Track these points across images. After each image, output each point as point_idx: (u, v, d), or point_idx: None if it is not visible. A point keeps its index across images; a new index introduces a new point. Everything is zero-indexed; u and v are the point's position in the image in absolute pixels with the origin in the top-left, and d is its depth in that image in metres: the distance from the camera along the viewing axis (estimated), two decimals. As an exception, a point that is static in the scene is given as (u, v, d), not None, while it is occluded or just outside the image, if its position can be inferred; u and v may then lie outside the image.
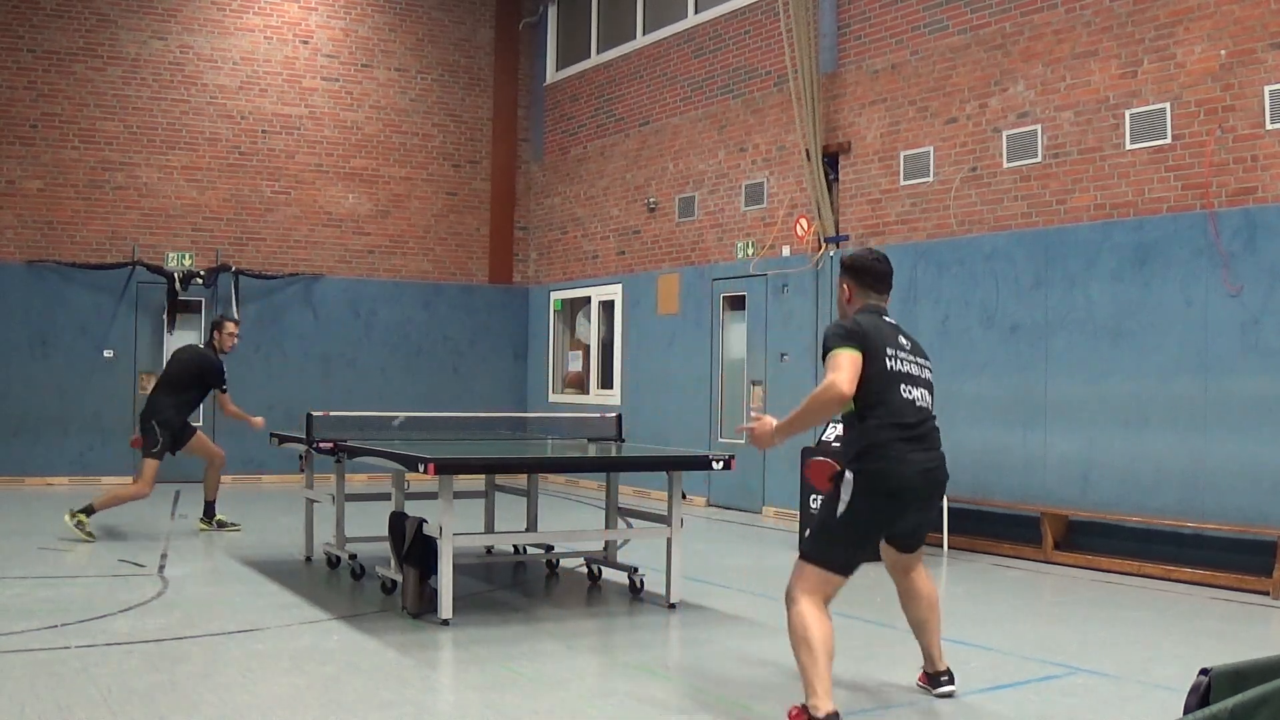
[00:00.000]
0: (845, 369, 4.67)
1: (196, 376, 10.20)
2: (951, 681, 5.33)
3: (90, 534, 9.60)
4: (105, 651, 5.81)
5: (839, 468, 4.91)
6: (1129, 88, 9.35)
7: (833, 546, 4.83)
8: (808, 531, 4.72)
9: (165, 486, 13.73)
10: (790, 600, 4.76)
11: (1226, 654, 5.00)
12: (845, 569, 4.87)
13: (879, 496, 4.78)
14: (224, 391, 10.34)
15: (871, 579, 8.69)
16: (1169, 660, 6.17)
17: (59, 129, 14.63)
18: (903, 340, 4.97)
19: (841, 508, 4.78)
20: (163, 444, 9.94)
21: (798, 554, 4.93)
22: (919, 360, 5.00)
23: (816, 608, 4.75)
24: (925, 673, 5.43)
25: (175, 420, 10.06)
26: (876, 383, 4.77)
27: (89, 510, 9.69)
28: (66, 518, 9.64)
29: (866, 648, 6.53)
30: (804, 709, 4.63)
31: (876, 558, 5.23)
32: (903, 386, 4.84)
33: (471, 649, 6.09)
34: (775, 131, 12.79)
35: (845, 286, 5.13)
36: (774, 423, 4.84)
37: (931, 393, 5.00)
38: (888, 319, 5.02)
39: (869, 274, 5.10)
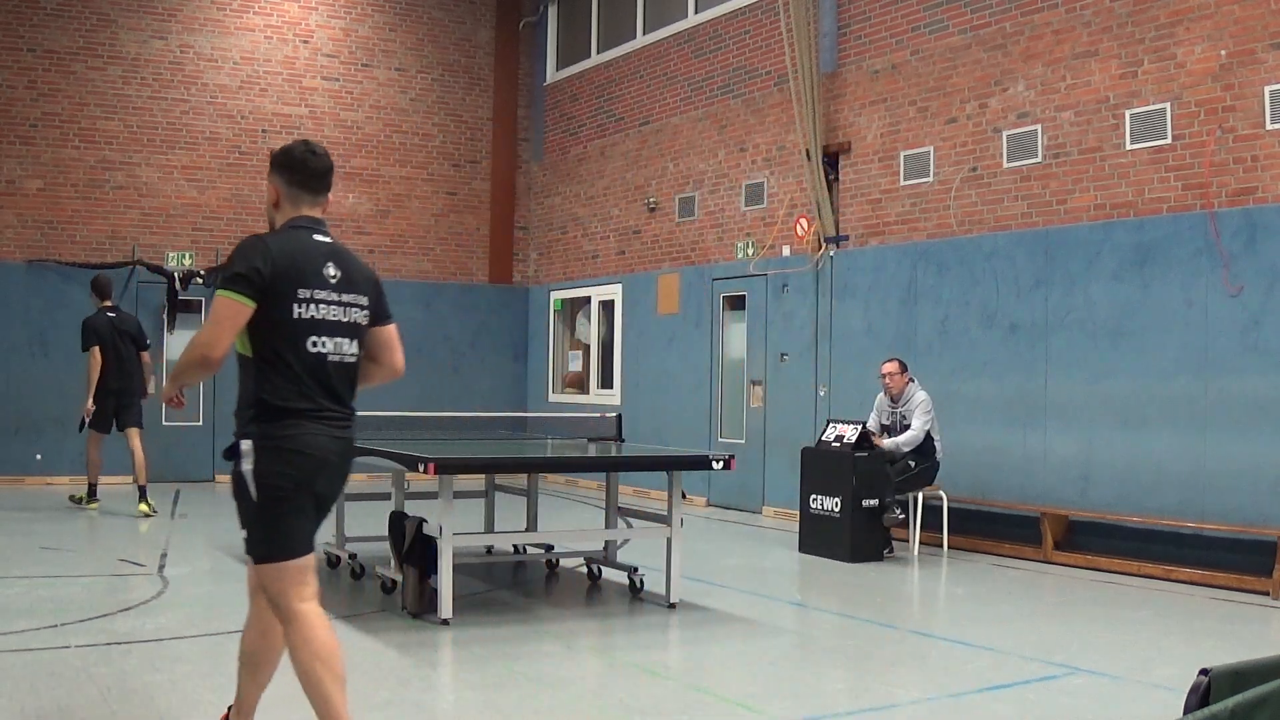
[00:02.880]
0: (225, 330, 3.78)
1: None
2: None
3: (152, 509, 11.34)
4: (105, 651, 5.81)
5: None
6: (1129, 88, 9.35)
7: (266, 532, 3.90)
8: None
9: (165, 486, 13.75)
10: (285, 619, 3.94)
11: (1226, 654, 5.01)
12: (294, 551, 3.91)
13: (291, 467, 3.86)
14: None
15: (871, 579, 8.72)
16: (1169, 660, 6.18)
17: (59, 129, 14.62)
18: (331, 270, 3.98)
19: (250, 486, 3.87)
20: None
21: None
22: (347, 296, 4.01)
23: (316, 619, 3.97)
24: None
25: None
26: (279, 335, 3.87)
27: (143, 493, 11.36)
28: (143, 508, 11.27)
29: (867, 648, 6.53)
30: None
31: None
32: (313, 339, 3.91)
33: (471, 649, 6.09)
34: (775, 131, 12.79)
35: (273, 188, 4.10)
36: (170, 389, 4.16)
37: (357, 336, 4.05)
38: (320, 237, 4.03)
39: (301, 169, 4.06)
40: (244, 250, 3.88)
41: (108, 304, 11.65)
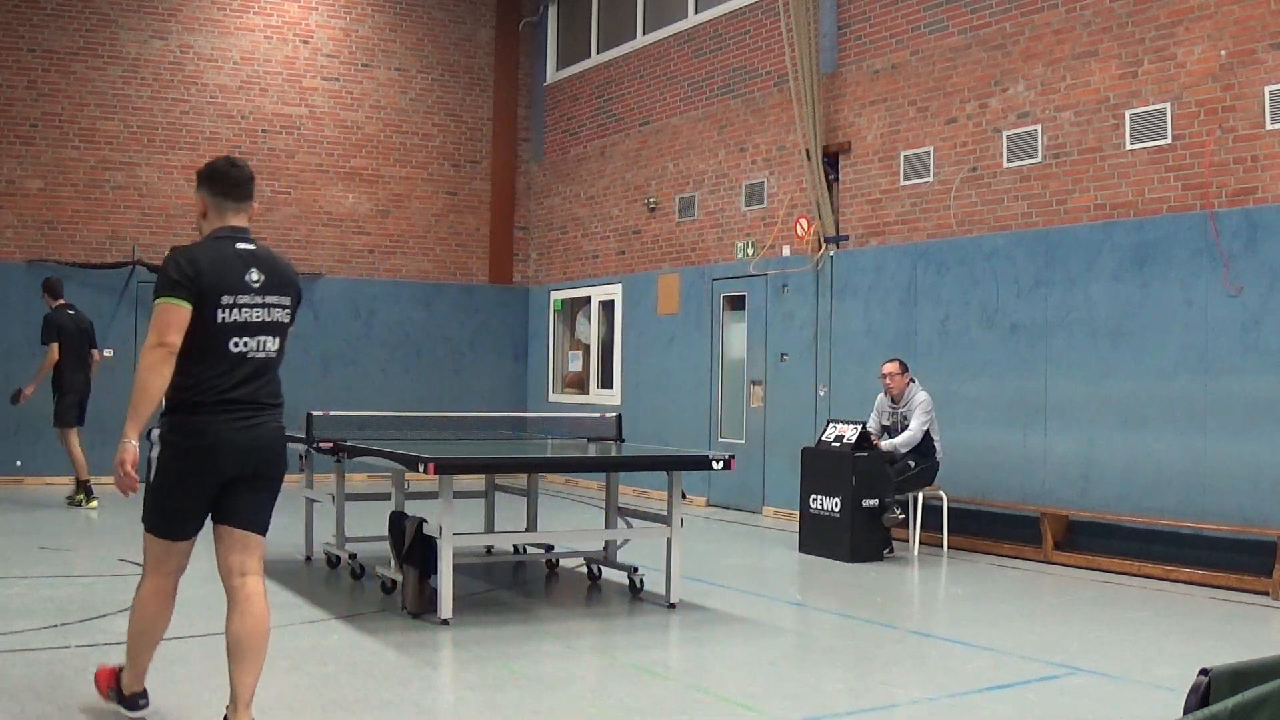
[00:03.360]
0: (170, 327, 4.13)
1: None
2: None
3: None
4: (105, 651, 5.80)
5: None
6: (1129, 88, 9.35)
7: (154, 511, 4.37)
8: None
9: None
10: (142, 575, 4.47)
11: (1226, 654, 5.01)
12: (171, 534, 4.37)
13: (192, 456, 4.26)
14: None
15: (871, 579, 8.72)
16: (1169, 660, 6.18)
17: (59, 129, 14.62)
18: (254, 276, 4.31)
19: (153, 469, 4.32)
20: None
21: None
22: (270, 298, 4.36)
23: (160, 590, 4.44)
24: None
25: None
26: (204, 337, 4.21)
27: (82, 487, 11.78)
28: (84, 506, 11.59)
29: (867, 648, 6.54)
30: (116, 672, 4.67)
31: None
32: (234, 340, 4.27)
33: (471, 649, 6.09)
34: (775, 131, 12.79)
35: (200, 200, 4.42)
36: (129, 452, 4.12)
37: (279, 334, 4.43)
38: (243, 244, 4.36)
39: (224, 180, 4.39)
40: (174, 260, 4.23)
41: (62, 302, 12.12)
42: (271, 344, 4.42)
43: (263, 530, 4.55)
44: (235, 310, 4.27)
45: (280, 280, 4.42)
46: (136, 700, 4.65)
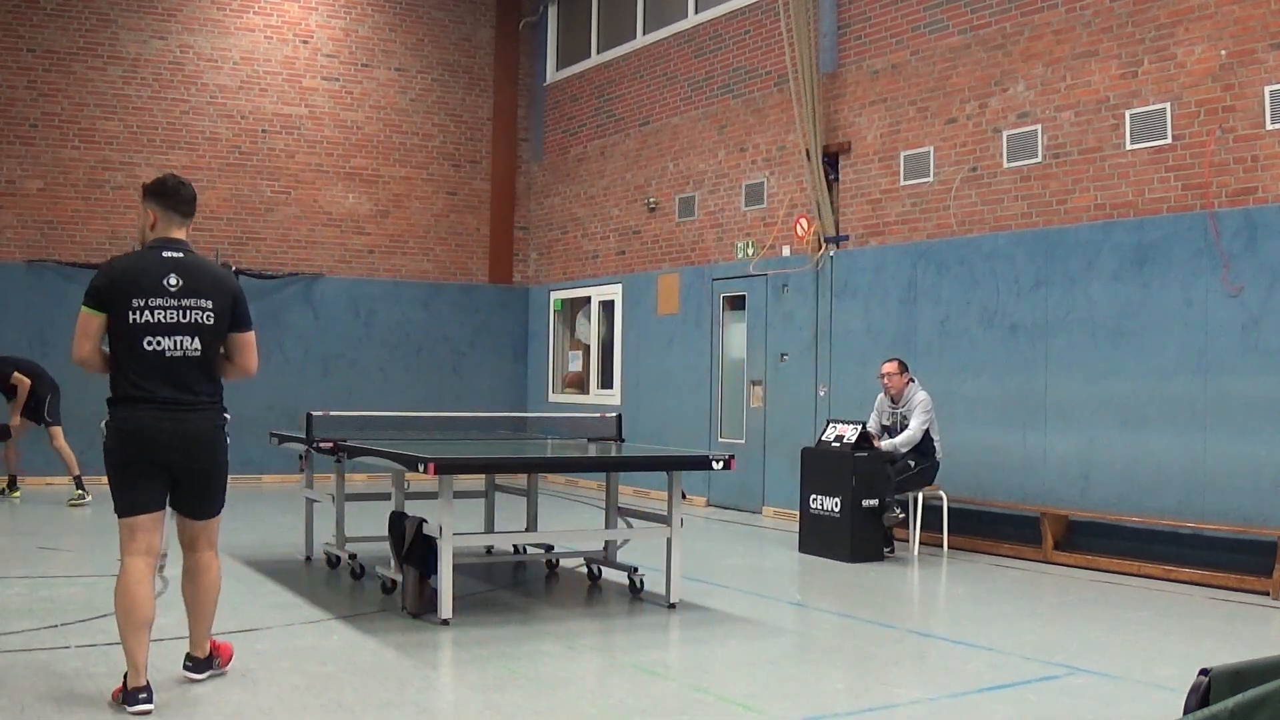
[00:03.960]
0: (81, 335, 4.83)
1: None
2: (194, 669, 5.26)
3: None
4: (105, 651, 5.81)
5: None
6: (1129, 88, 9.35)
7: (112, 492, 4.94)
8: None
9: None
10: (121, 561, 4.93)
11: (1226, 654, 5.01)
12: (125, 511, 4.89)
13: (126, 442, 4.85)
14: None
15: (871, 579, 8.72)
16: (1169, 660, 6.18)
17: (59, 129, 14.62)
18: (171, 280, 4.84)
19: (105, 454, 4.94)
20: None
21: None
22: (189, 302, 4.85)
23: (130, 570, 4.84)
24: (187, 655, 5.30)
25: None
26: (122, 337, 4.81)
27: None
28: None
29: (867, 648, 6.54)
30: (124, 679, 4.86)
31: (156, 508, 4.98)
32: (148, 338, 4.79)
33: (471, 649, 6.09)
34: (775, 131, 12.79)
35: (150, 213, 4.99)
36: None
37: (199, 334, 4.86)
38: (170, 253, 4.89)
39: (174, 197, 4.97)
40: (96, 271, 4.94)
41: None
42: (190, 343, 4.86)
43: (204, 516, 5.11)
44: (147, 312, 4.80)
45: (201, 284, 4.89)
46: (136, 695, 4.75)
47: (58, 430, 12.33)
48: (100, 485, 12.39)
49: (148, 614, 4.84)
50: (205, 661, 5.29)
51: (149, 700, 4.75)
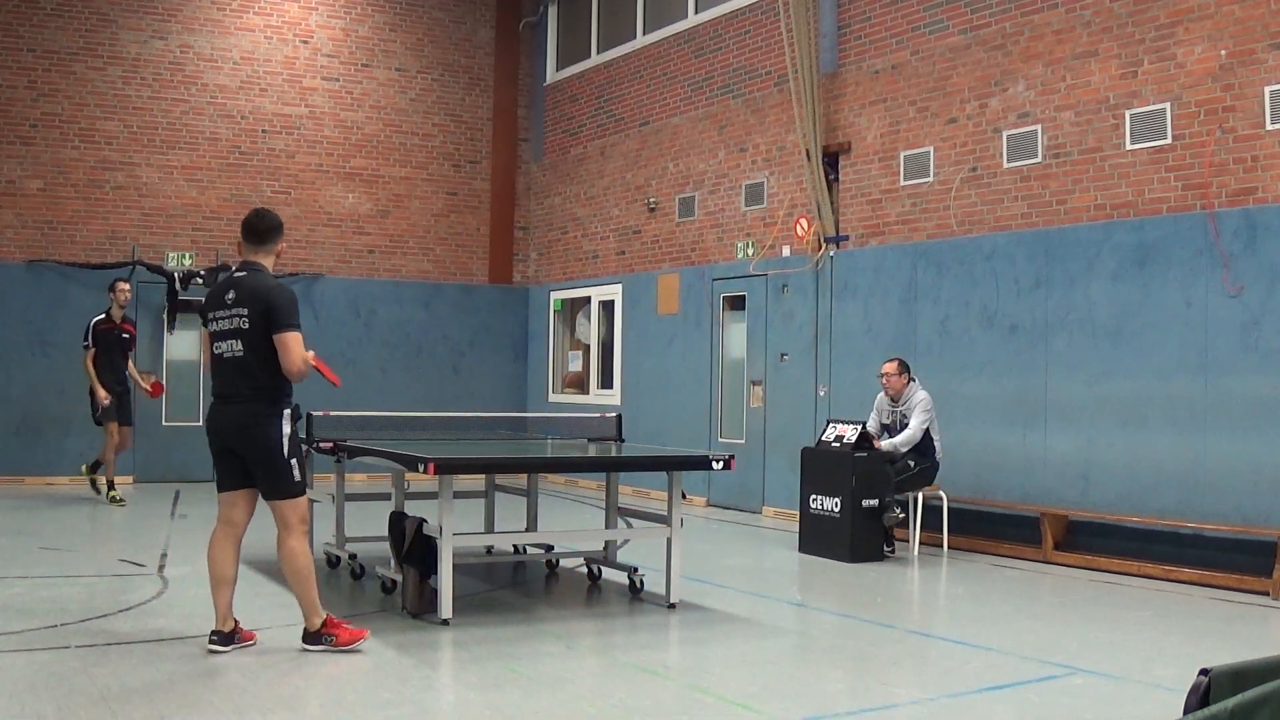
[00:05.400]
0: (201, 351, 5.92)
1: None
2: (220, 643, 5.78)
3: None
4: (105, 651, 5.81)
5: None
6: (1129, 88, 9.35)
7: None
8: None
9: (165, 487, 13.75)
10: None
11: (1226, 654, 5.01)
12: (218, 487, 5.94)
13: (206, 431, 5.90)
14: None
15: (871, 579, 8.72)
16: (1169, 660, 6.18)
17: (59, 129, 14.62)
18: (230, 295, 5.73)
19: None
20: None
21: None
22: (234, 311, 5.69)
23: (212, 536, 5.88)
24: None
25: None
26: (211, 344, 5.85)
27: (96, 467, 12.35)
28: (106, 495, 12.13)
29: (867, 648, 6.54)
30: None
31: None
32: (216, 344, 5.77)
33: (471, 649, 6.09)
34: (775, 131, 12.79)
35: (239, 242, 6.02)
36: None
37: (240, 338, 5.68)
38: (239, 273, 5.84)
39: (245, 227, 5.96)
40: None
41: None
42: (235, 345, 5.71)
43: (269, 496, 5.78)
44: (215, 322, 5.79)
45: (243, 295, 5.71)
46: (211, 636, 5.72)
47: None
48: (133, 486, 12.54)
49: (219, 572, 5.74)
50: (314, 635, 5.84)
51: (218, 642, 5.70)
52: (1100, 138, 9.54)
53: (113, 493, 12.16)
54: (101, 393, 11.89)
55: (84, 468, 12.60)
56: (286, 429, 5.73)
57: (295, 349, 5.64)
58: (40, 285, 14.33)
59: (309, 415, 8.17)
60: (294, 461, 5.77)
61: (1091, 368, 9.50)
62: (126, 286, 12.46)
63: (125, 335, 12.30)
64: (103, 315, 12.22)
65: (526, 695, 5.23)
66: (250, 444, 5.70)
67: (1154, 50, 9.19)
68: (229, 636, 5.75)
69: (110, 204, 14.80)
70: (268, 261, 5.92)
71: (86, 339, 12.06)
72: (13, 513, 11.47)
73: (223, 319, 5.71)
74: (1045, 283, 9.90)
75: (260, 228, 5.91)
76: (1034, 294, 9.98)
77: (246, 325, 5.64)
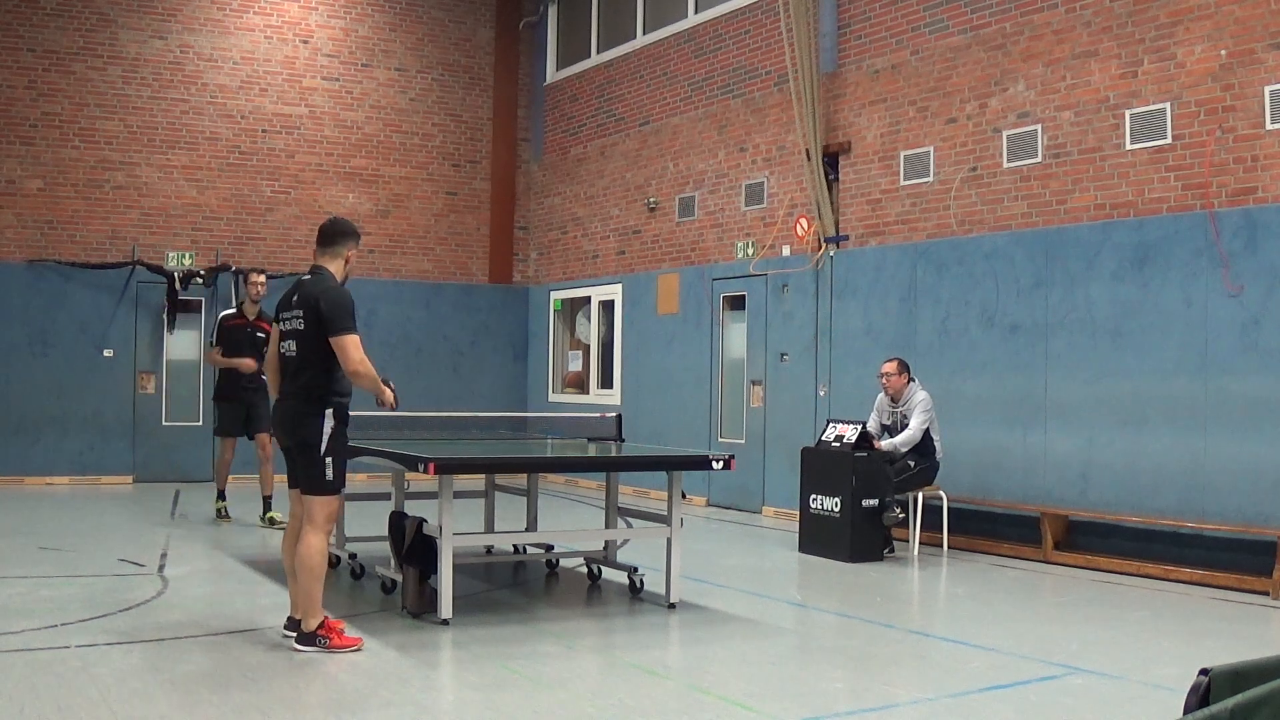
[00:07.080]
0: (269, 346, 6.31)
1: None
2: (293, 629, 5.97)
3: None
4: (105, 651, 5.81)
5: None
6: (1129, 88, 9.35)
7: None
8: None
9: (165, 487, 13.75)
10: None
11: (1226, 654, 5.00)
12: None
13: None
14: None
15: (871, 579, 8.72)
16: (1169, 660, 6.18)
17: (59, 129, 14.62)
18: (294, 298, 6.00)
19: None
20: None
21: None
22: (294, 313, 5.96)
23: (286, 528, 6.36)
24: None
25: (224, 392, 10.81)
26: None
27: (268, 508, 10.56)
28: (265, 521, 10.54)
29: (867, 648, 6.54)
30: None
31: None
32: (283, 344, 6.05)
33: (471, 649, 6.09)
34: (775, 131, 12.79)
35: None
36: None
37: (295, 338, 5.94)
38: (306, 277, 6.08)
39: (318, 232, 6.22)
40: None
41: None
42: (292, 346, 5.99)
43: (301, 488, 5.99)
44: (283, 323, 6.07)
45: (303, 299, 5.95)
46: (285, 621, 6.10)
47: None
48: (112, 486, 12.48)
49: (287, 563, 6.09)
50: (308, 635, 5.82)
51: (287, 627, 6.01)
52: (1100, 137, 9.54)
53: (271, 514, 10.45)
54: (247, 363, 10.25)
55: (261, 519, 10.59)
56: (328, 427, 5.87)
57: (351, 351, 5.80)
58: (40, 285, 14.33)
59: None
60: (329, 460, 5.87)
61: (1091, 367, 9.50)
62: (261, 278, 10.74)
63: (261, 334, 10.23)
64: (233, 310, 10.93)
65: (526, 695, 5.23)
66: (291, 438, 5.96)
67: (1154, 50, 9.19)
68: (290, 619, 6.05)
69: (110, 204, 14.79)
70: (334, 266, 6.09)
71: (213, 336, 10.75)
72: (13, 513, 11.46)
73: (286, 320, 6.00)
74: (1045, 282, 9.90)
75: (329, 232, 6.15)
76: (1034, 294, 9.98)
77: (301, 326, 5.89)
